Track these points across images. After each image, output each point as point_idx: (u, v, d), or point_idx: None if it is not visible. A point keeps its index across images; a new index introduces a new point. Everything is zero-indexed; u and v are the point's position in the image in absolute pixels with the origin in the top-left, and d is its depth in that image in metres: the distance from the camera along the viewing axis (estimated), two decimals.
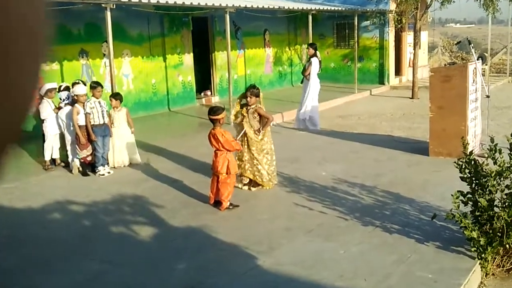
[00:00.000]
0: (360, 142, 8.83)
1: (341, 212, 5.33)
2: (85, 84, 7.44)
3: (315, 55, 10.50)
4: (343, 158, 7.80)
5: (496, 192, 4.13)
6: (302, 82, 10.96)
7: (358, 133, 10.10)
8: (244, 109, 6.00)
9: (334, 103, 14.38)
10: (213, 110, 5.53)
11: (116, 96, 7.59)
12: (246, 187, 6.16)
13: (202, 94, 15.04)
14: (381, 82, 18.00)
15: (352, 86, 16.32)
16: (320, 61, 10.75)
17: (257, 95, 6.01)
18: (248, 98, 5.97)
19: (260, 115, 6.04)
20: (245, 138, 6.01)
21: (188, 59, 13.72)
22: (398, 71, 18.88)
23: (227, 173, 5.52)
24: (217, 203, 5.64)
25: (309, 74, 10.66)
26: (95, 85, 7.23)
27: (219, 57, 14.82)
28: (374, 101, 15.15)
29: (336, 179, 6.59)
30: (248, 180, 6.12)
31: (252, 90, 5.99)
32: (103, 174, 7.17)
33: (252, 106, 6.00)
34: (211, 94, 14.99)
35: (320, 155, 8.02)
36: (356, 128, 10.67)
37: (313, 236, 4.74)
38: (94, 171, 7.27)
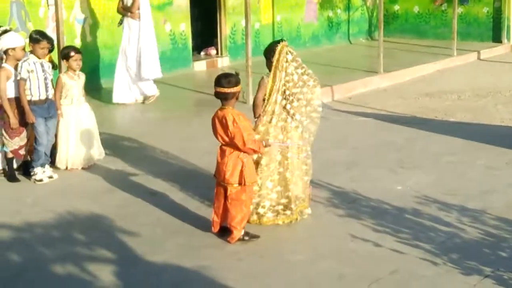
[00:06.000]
0: (460, 137, 8.75)
1: (427, 251, 5.32)
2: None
3: None
4: (431, 163, 7.76)
5: None
6: (120, 23, 11.03)
7: (457, 122, 10.00)
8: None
9: (418, 72, 14.27)
10: (224, 79, 5.55)
11: (79, 50, 7.67)
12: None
13: (203, 53, 15.05)
14: (497, 39, 17.76)
15: (448, 44, 16.16)
16: None
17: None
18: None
19: None
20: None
21: None
22: None
23: (240, 184, 5.54)
24: (225, 232, 5.67)
25: (136, 11, 10.51)
26: (40, 38, 7.25)
27: None
28: (485, 70, 14.95)
29: (420, 197, 6.56)
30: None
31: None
32: (41, 180, 7.24)
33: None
34: (218, 53, 14.98)
35: (394, 157, 7.99)
36: (454, 115, 10.57)
37: None
38: (27, 173, 7.36)
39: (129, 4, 10.72)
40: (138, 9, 10.63)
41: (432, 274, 4.97)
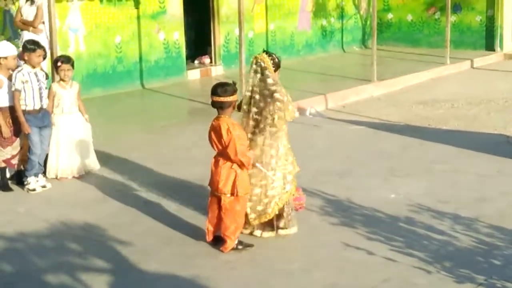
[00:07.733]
0: (453, 145, 8.78)
1: (420, 259, 5.32)
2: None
3: None
4: (424, 171, 7.78)
5: None
6: (18, 38, 9.96)
7: (451, 130, 10.01)
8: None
9: (412, 81, 14.30)
10: (220, 88, 5.54)
11: (68, 60, 7.66)
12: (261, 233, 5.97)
13: (197, 62, 15.07)
14: (490, 47, 17.83)
15: (441, 52, 16.20)
16: None
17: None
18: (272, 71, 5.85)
19: None
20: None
21: (175, 5, 13.76)
22: None
23: (233, 194, 5.54)
24: (218, 241, 5.67)
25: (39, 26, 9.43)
26: (35, 47, 7.28)
27: (225, 3, 14.82)
28: (478, 79, 14.99)
29: (413, 205, 6.57)
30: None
31: (273, 57, 5.90)
32: (34, 189, 7.23)
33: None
34: (211, 62, 15.00)
35: (386, 165, 8.00)
36: (447, 123, 10.59)
37: None
38: (21, 183, 7.35)
39: (30, 18, 9.62)
40: (43, 23, 9.62)
41: (425, 283, 4.97)
